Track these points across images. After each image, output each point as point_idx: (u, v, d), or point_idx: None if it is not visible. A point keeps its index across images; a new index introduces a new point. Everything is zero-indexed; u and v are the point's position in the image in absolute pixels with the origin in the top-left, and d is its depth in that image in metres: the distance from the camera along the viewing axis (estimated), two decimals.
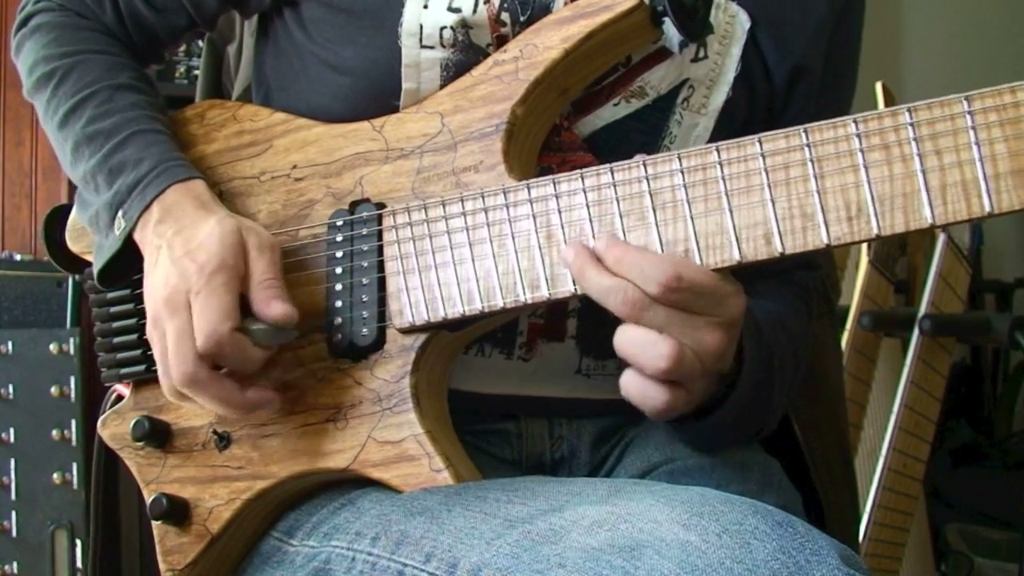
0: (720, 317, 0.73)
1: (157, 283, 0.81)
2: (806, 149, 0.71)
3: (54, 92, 0.92)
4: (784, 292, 0.94)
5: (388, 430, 0.81)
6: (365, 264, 0.83)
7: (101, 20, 0.96)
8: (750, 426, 0.89)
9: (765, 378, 0.83)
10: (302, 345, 0.84)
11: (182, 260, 0.80)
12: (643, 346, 0.72)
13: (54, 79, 0.92)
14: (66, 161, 0.92)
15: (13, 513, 1.97)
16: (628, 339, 0.73)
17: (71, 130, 0.90)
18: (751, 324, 0.79)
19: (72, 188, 0.93)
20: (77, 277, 0.99)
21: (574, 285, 0.76)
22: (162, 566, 0.88)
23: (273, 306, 0.80)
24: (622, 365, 0.75)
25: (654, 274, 0.71)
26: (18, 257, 2.17)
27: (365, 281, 0.83)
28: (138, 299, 0.91)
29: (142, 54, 0.99)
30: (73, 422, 2.01)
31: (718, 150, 0.73)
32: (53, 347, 2.03)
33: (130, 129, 0.88)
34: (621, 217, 0.75)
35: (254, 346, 0.80)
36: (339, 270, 0.84)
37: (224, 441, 0.87)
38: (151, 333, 0.82)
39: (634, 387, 0.74)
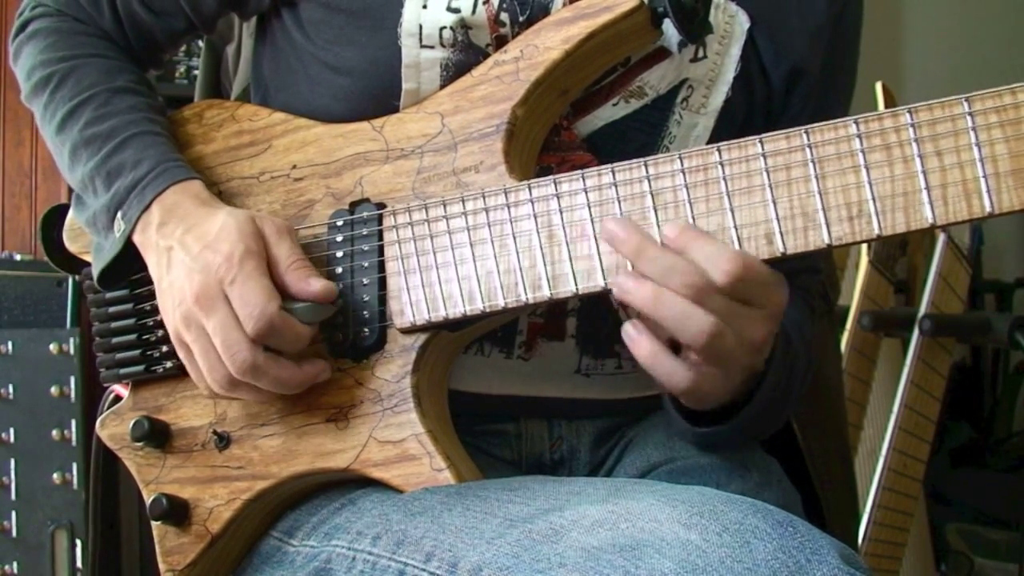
0: (769, 309, 0.73)
1: (178, 283, 0.81)
2: (807, 149, 0.71)
3: (52, 96, 0.92)
4: (794, 297, 0.94)
5: (389, 430, 0.81)
6: (365, 264, 0.83)
7: (99, 24, 0.96)
8: (763, 428, 0.89)
9: (785, 382, 0.84)
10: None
11: (203, 254, 0.80)
12: (685, 315, 0.71)
13: (51, 83, 0.92)
14: (64, 165, 0.92)
15: (13, 513, 1.96)
16: (669, 307, 0.71)
17: (69, 134, 0.90)
18: (779, 327, 0.79)
19: (72, 189, 0.93)
20: (76, 277, 0.99)
21: (575, 284, 0.76)
22: (162, 566, 0.88)
23: (312, 283, 0.80)
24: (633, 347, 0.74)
25: (722, 263, 0.71)
26: (18, 257, 2.17)
27: (366, 281, 0.83)
28: (137, 299, 0.91)
29: (141, 58, 0.98)
30: (73, 422, 2.01)
31: (719, 150, 0.73)
32: (53, 347, 2.02)
33: (128, 132, 0.88)
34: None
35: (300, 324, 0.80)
36: (339, 270, 0.84)
37: (224, 441, 0.87)
38: (180, 335, 0.82)
39: (661, 363, 0.73)
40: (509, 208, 0.78)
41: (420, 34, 0.83)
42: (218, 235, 0.80)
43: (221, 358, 0.79)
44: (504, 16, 0.83)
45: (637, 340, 0.74)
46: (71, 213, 0.96)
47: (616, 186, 0.75)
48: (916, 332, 2.03)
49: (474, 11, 0.82)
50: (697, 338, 0.71)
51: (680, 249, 0.72)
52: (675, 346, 0.74)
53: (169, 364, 0.90)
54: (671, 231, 0.72)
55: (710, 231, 0.73)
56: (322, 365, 0.82)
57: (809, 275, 0.98)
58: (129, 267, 0.88)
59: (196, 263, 0.80)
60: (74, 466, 2.00)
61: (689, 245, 0.72)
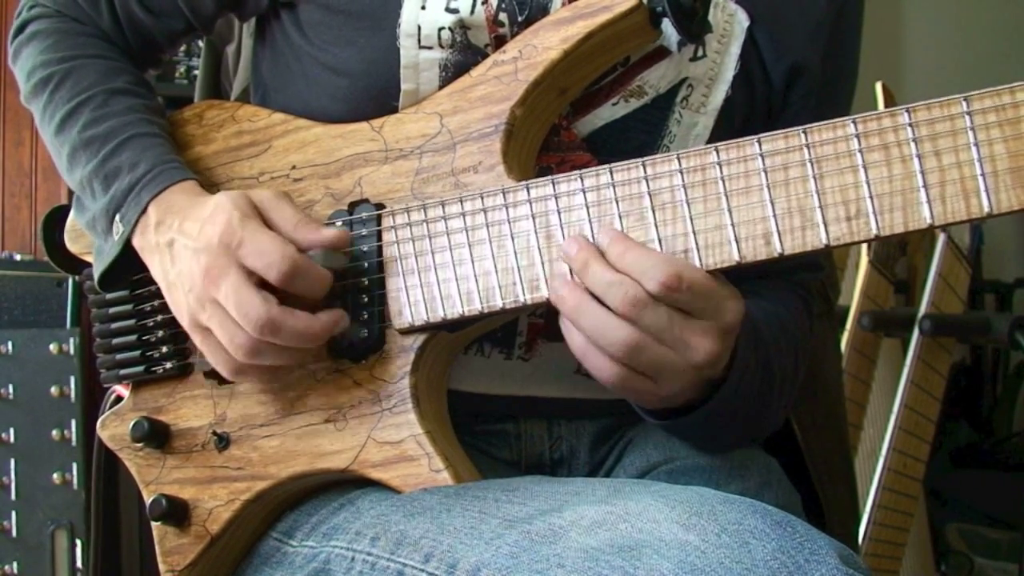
0: (717, 322, 0.73)
1: (186, 271, 0.81)
2: (805, 149, 0.71)
3: (50, 97, 0.92)
4: (786, 294, 0.94)
5: (388, 430, 0.81)
6: (364, 264, 0.83)
7: (98, 25, 0.96)
8: (749, 428, 0.89)
9: (763, 381, 0.83)
10: None
11: (203, 232, 0.79)
12: (602, 330, 0.72)
13: (50, 84, 0.92)
14: (63, 167, 0.92)
15: (13, 513, 1.96)
16: (587, 319, 0.73)
17: (67, 135, 0.90)
18: (749, 327, 0.79)
19: (72, 190, 0.93)
20: (76, 277, 0.99)
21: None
22: (162, 567, 0.88)
23: (323, 231, 0.80)
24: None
25: (655, 272, 0.71)
26: (18, 257, 2.17)
27: (364, 281, 0.83)
28: (137, 299, 0.91)
29: (140, 59, 0.98)
30: (73, 422, 2.01)
31: (717, 150, 0.73)
32: (53, 347, 2.02)
33: (126, 133, 0.88)
34: (620, 217, 0.75)
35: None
36: (345, 229, 0.84)
37: (223, 442, 0.87)
38: (198, 322, 0.81)
39: (590, 357, 0.74)
40: (507, 208, 0.78)
41: (419, 35, 0.83)
42: (213, 212, 0.80)
43: (238, 323, 0.78)
44: (503, 16, 0.83)
45: (569, 335, 0.75)
46: (72, 214, 0.96)
47: (614, 186, 0.75)
48: (916, 332, 2.03)
49: (472, 11, 0.82)
50: (612, 350, 0.72)
51: (615, 259, 0.73)
52: None
53: (169, 365, 0.90)
54: (604, 239, 0.74)
55: (709, 231, 0.73)
56: (339, 313, 0.81)
57: (808, 272, 0.98)
58: (129, 269, 0.88)
59: (198, 242, 0.80)
60: (74, 466, 2.00)
61: (624, 256, 0.73)
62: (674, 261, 0.72)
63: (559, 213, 0.76)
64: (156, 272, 0.85)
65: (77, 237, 0.97)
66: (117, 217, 0.86)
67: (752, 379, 0.81)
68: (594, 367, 0.75)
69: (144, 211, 0.84)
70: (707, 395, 0.79)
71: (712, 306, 0.73)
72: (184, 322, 0.83)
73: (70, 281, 2.09)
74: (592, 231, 0.75)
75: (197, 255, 0.79)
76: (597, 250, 0.74)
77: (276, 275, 0.77)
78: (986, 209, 0.67)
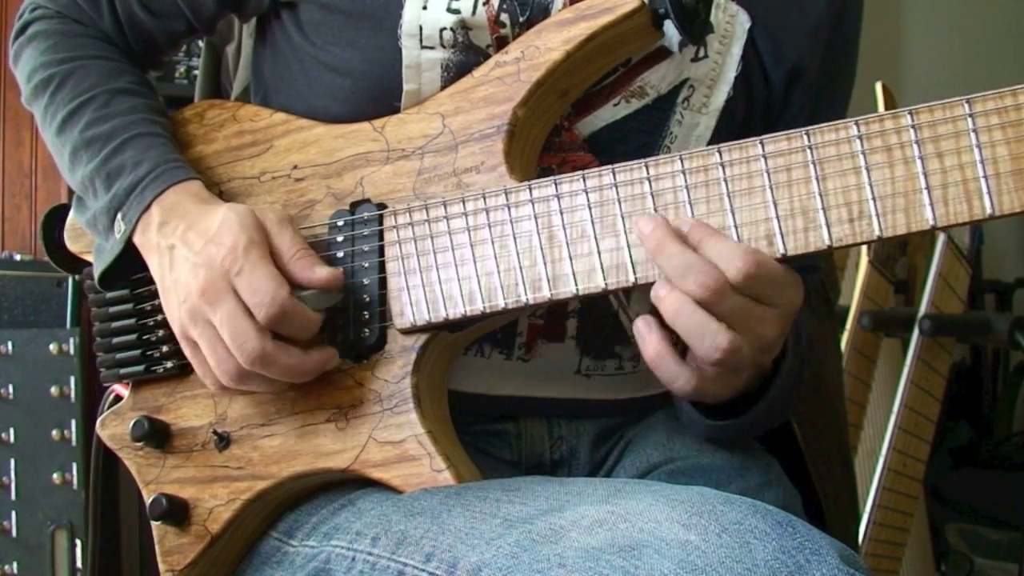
0: (782, 308, 0.73)
1: (182, 280, 0.81)
2: (808, 151, 0.71)
3: (52, 98, 0.92)
4: None
5: (389, 430, 0.81)
6: (366, 264, 0.83)
7: (99, 26, 0.96)
8: (769, 423, 0.89)
9: (795, 377, 0.84)
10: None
11: (206, 249, 0.80)
12: (702, 330, 0.71)
13: (52, 85, 0.92)
14: (64, 167, 0.92)
15: (13, 513, 1.96)
16: (687, 317, 0.71)
17: (69, 135, 0.90)
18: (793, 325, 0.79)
19: (72, 190, 0.93)
20: (77, 277, 0.99)
21: (576, 285, 0.76)
22: (162, 567, 0.88)
23: (317, 271, 0.80)
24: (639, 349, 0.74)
25: (737, 260, 0.71)
26: (18, 257, 2.17)
27: (366, 281, 0.83)
28: (137, 299, 0.91)
29: (141, 60, 0.98)
30: (73, 422, 2.01)
31: (720, 151, 0.73)
32: (53, 347, 2.02)
33: (128, 133, 0.88)
34: (623, 218, 0.75)
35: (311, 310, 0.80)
36: (340, 270, 0.84)
37: (224, 441, 0.87)
38: (186, 332, 0.81)
39: (666, 368, 0.74)
40: (509, 209, 0.78)
41: (420, 35, 0.83)
42: (220, 229, 0.80)
43: (230, 349, 0.79)
44: (504, 17, 0.83)
45: (647, 338, 0.74)
46: (72, 214, 0.96)
47: (616, 187, 0.75)
48: (916, 332, 2.04)
49: (474, 12, 0.82)
50: (711, 353, 0.71)
51: (695, 244, 0.72)
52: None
53: (169, 364, 0.90)
54: (685, 226, 0.73)
55: None
56: (330, 352, 0.82)
57: (807, 274, 0.98)
58: (130, 268, 0.88)
59: (200, 258, 0.80)
60: (74, 466, 2.00)
61: (703, 242, 0.72)
62: (753, 251, 0.71)
63: (561, 213, 0.76)
64: (154, 272, 0.85)
65: (77, 236, 0.97)
66: (119, 215, 0.86)
67: (794, 373, 0.82)
68: (670, 375, 0.74)
69: (147, 209, 0.84)
70: (757, 384, 0.79)
71: (780, 294, 0.73)
72: (175, 329, 0.84)
73: (70, 281, 2.09)
74: (595, 231, 0.76)
75: (196, 270, 0.80)
76: (675, 232, 0.73)
77: (263, 316, 0.77)
78: (988, 211, 0.67)
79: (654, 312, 0.74)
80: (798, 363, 0.83)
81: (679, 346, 0.74)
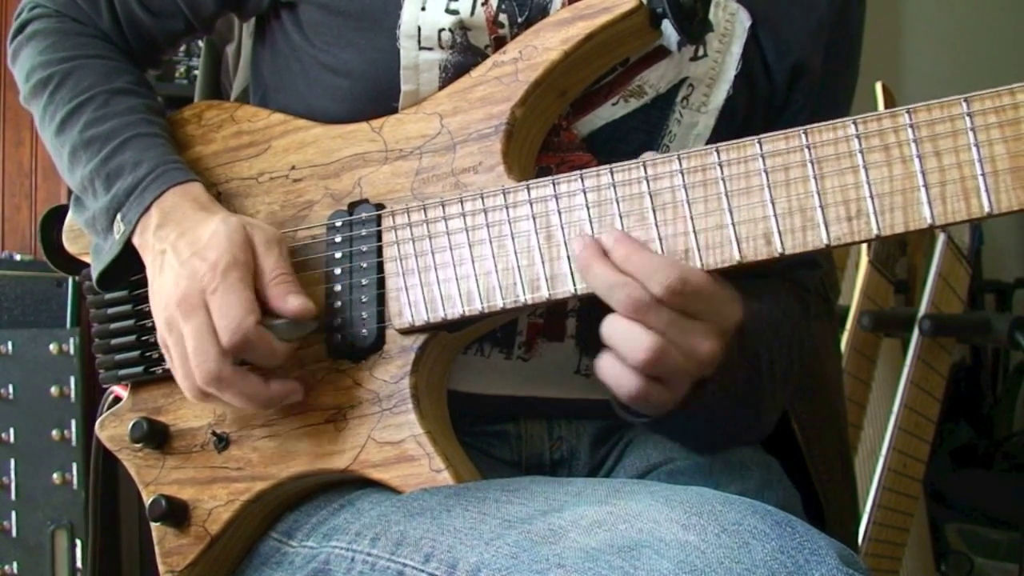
0: (717, 324, 0.73)
1: (166, 287, 0.81)
2: (806, 150, 0.71)
3: (51, 98, 0.91)
4: (781, 293, 0.94)
5: (388, 431, 0.81)
6: (364, 265, 0.83)
7: (98, 26, 0.96)
8: (740, 428, 0.89)
9: (749, 381, 0.83)
10: (301, 346, 0.84)
11: (191, 261, 0.80)
12: (626, 336, 0.72)
13: (51, 85, 0.92)
14: (63, 167, 0.92)
15: (13, 513, 1.96)
16: (612, 328, 0.73)
17: (68, 135, 0.90)
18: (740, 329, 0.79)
19: (71, 190, 0.93)
20: (76, 278, 0.99)
21: (574, 285, 0.76)
22: (161, 567, 0.88)
23: (289, 300, 0.80)
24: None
25: (659, 276, 0.71)
26: (18, 257, 2.17)
27: (364, 282, 0.83)
28: (136, 300, 0.91)
29: (139, 59, 0.98)
30: (73, 422, 2.01)
31: (718, 151, 0.73)
32: (53, 347, 2.02)
33: (127, 133, 0.88)
34: (621, 217, 0.75)
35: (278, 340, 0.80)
36: (338, 271, 0.84)
37: (223, 442, 0.87)
38: (164, 339, 0.82)
39: (610, 371, 0.74)
40: (507, 209, 0.78)
41: (419, 36, 0.83)
42: (208, 242, 0.80)
43: (190, 366, 0.79)
44: (503, 17, 0.83)
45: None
46: (70, 214, 0.96)
47: (615, 186, 0.75)
48: (916, 332, 2.03)
49: (473, 12, 0.82)
50: (637, 356, 0.72)
51: (620, 261, 0.73)
52: None
53: (168, 365, 0.90)
54: (608, 240, 0.74)
55: (709, 231, 0.73)
56: (292, 387, 0.82)
57: (805, 270, 0.98)
58: (128, 268, 0.88)
59: (184, 269, 0.80)
60: (74, 466, 2.00)
61: (628, 258, 0.73)
62: (678, 265, 0.72)
63: (559, 213, 0.76)
64: (148, 272, 0.85)
65: (75, 237, 0.97)
66: (118, 216, 0.86)
67: (736, 376, 0.81)
68: (627, 391, 0.75)
69: (146, 211, 0.84)
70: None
71: (713, 309, 0.73)
72: (158, 331, 0.84)
73: (70, 281, 2.09)
74: (593, 231, 0.75)
75: (178, 280, 0.80)
76: (601, 251, 0.74)
77: (225, 341, 0.78)
78: (986, 209, 0.67)
79: None
80: (748, 368, 0.82)
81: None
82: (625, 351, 0.72)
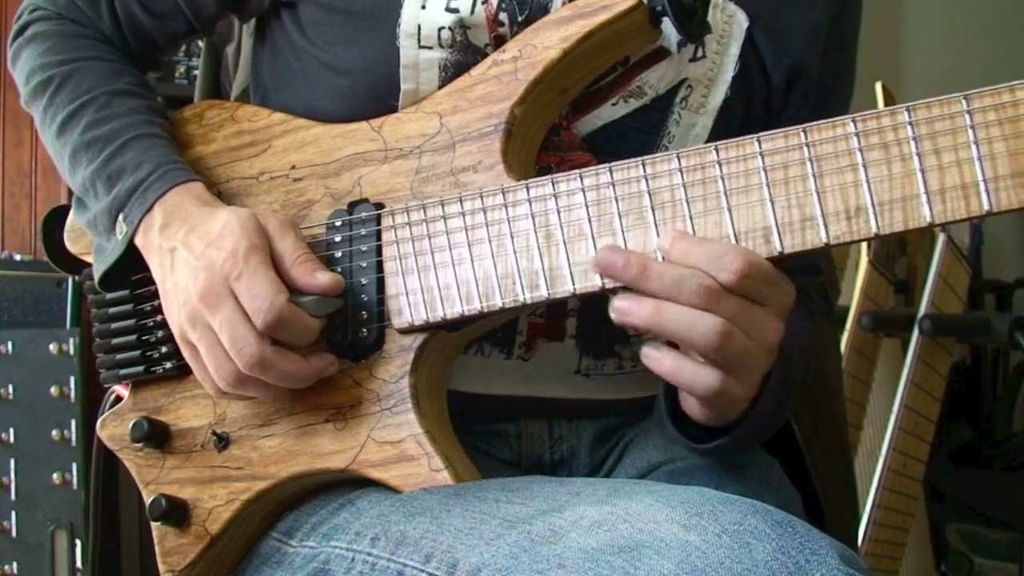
0: (780, 307, 0.73)
1: (182, 283, 0.81)
2: (805, 148, 0.71)
3: (51, 100, 0.92)
4: None
5: (387, 430, 0.81)
6: (364, 264, 0.83)
7: (98, 28, 0.96)
8: (759, 436, 0.88)
9: (781, 388, 0.83)
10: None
11: (207, 253, 0.80)
12: (691, 323, 0.71)
13: (51, 87, 0.92)
14: (64, 168, 0.92)
15: (13, 513, 1.96)
16: (672, 318, 0.71)
17: (69, 137, 0.90)
18: None
19: (72, 191, 0.93)
20: (76, 277, 0.99)
21: (573, 284, 0.76)
22: (161, 567, 0.88)
23: (318, 277, 0.80)
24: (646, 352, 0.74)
25: (726, 262, 0.70)
26: (18, 257, 2.17)
27: (364, 281, 0.83)
28: (137, 299, 0.91)
29: (140, 61, 0.98)
30: (73, 422, 2.01)
31: (717, 150, 0.73)
32: (53, 347, 2.02)
33: (128, 134, 0.88)
34: (620, 217, 0.75)
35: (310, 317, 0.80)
36: (338, 270, 0.84)
37: (223, 442, 0.87)
38: (186, 336, 0.81)
39: (680, 370, 0.73)
40: (507, 208, 0.78)
41: (419, 35, 0.83)
42: (221, 233, 0.80)
43: (228, 354, 0.79)
44: (503, 16, 0.83)
45: (658, 359, 0.74)
46: (72, 215, 0.96)
47: (614, 186, 0.75)
48: (916, 332, 2.04)
49: (472, 11, 0.82)
50: (707, 341, 0.71)
51: (680, 257, 0.72)
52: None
53: (169, 365, 0.90)
54: (666, 241, 0.73)
55: (707, 231, 0.73)
56: (330, 359, 0.82)
57: (805, 276, 0.98)
58: (131, 269, 0.88)
59: (200, 261, 0.80)
60: (74, 466, 2.00)
61: (690, 251, 0.72)
62: (742, 249, 0.71)
63: (559, 212, 0.76)
64: (155, 273, 0.85)
65: (77, 237, 0.97)
66: (120, 216, 0.86)
67: (778, 378, 0.81)
68: (692, 380, 0.73)
69: (149, 211, 0.84)
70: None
71: (777, 291, 0.73)
72: (174, 332, 0.83)
73: (70, 281, 2.09)
74: (592, 231, 0.75)
75: (196, 273, 0.80)
76: (645, 254, 0.73)
77: (261, 322, 0.77)
78: (986, 207, 0.67)
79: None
80: (782, 373, 0.82)
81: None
82: (695, 339, 0.71)
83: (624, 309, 0.73)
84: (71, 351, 2.03)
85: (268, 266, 0.79)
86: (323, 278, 0.80)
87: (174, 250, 0.82)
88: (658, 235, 0.74)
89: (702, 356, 0.72)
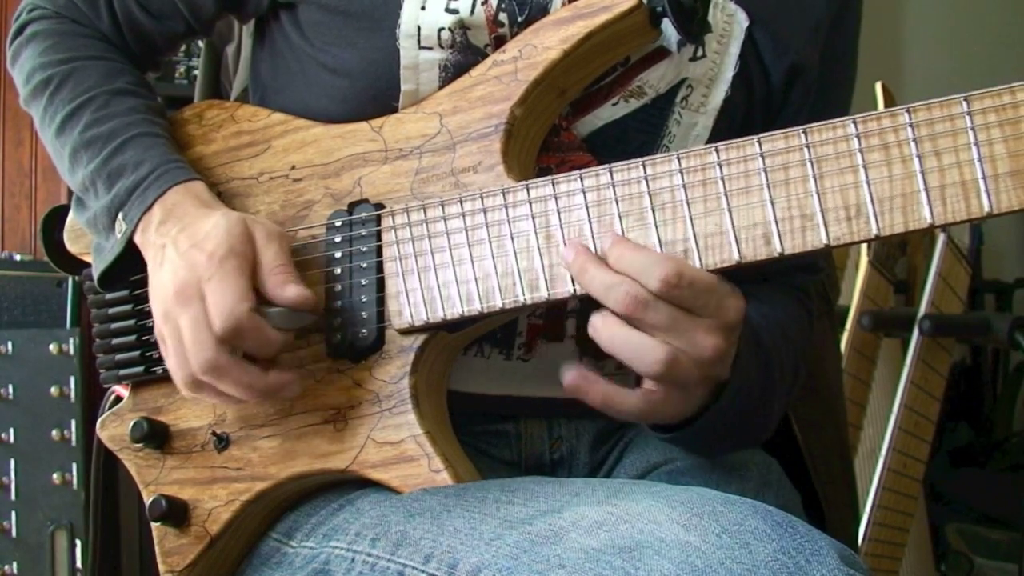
0: (719, 319, 0.73)
1: (165, 280, 0.81)
2: (805, 149, 0.71)
3: (51, 99, 0.91)
4: (784, 297, 0.94)
5: (387, 431, 0.81)
6: (364, 265, 0.83)
7: (98, 27, 0.96)
8: (749, 433, 0.89)
9: (764, 385, 0.83)
10: (301, 346, 0.84)
11: (189, 252, 0.80)
12: (638, 349, 0.72)
13: (51, 86, 0.92)
14: (64, 168, 0.92)
15: (13, 513, 1.96)
16: (622, 340, 0.73)
17: (69, 136, 0.90)
18: (748, 331, 0.79)
19: (72, 190, 0.93)
20: (76, 277, 0.99)
21: (573, 285, 0.76)
22: (161, 568, 0.88)
23: (288, 289, 0.80)
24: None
25: (655, 270, 0.71)
26: (18, 257, 2.17)
27: (364, 282, 0.83)
28: (137, 300, 0.91)
29: (139, 61, 0.98)
30: (73, 422, 2.01)
31: (717, 150, 0.73)
32: (53, 347, 2.02)
33: (128, 133, 0.88)
34: (620, 218, 0.75)
35: (273, 328, 0.79)
36: (338, 271, 0.84)
37: (223, 442, 0.87)
38: (161, 330, 0.82)
39: (618, 400, 0.75)
40: (507, 208, 0.78)
41: (418, 35, 0.83)
42: (207, 234, 0.80)
43: (186, 355, 0.79)
44: (503, 16, 0.83)
45: (589, 389, 0.76)
46: (72, 214, 0.96)
47: (614, 186, 0.75)
48: (916, 332, 2.03)
49: (472, 12, 0.82)
50: (651, 367, 0.72)
51: (615, 262, 0.73)
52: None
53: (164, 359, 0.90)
54: (606, 243, 0.74)
55: (709, 231, 0.73)
56: (290, 377, 0.81)
57: (806, 274, 0.98)
58: (130, 268, 0.88)
59: (182, 260, 0.80)
60: (74, 466, 2.00)
61: (623, 256, 0.73)
62: (673, 259, 0.72)
63: (559, 213, 0.76)
64: (148, 269, 0.85)
65: (76, 237, 0.97)
66: (120, 215, 0.86)
67: (754, 381, 0.81)
68: (618, 406, 0.75)
69: (149, 209, 0.84)
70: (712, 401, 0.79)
71: (714, 303, 0.72)
72: (155, 325, 0.83)
73: (70, 281, 2.09)
74: (592, 231, 0.75)
75: (175, 271, 0.80)
76: (593, 254, 0.74)
77: (218, 328, 0.77)
78: (986, 209, 0.67)
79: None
80: (760, 371, 0.82)
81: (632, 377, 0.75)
82: (638, 363, 0.72)
83: (594, 324, 0.74)
84: (71, 351, 2.03)
85: (241, 273, 0.79)
86: (292, 291, 0.80)
87: (164, 247, 0.82)
88: (659, 236, 0.74)
89: (646, 379, 0.74)
